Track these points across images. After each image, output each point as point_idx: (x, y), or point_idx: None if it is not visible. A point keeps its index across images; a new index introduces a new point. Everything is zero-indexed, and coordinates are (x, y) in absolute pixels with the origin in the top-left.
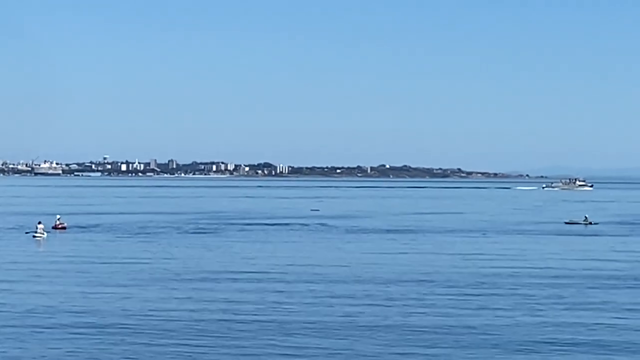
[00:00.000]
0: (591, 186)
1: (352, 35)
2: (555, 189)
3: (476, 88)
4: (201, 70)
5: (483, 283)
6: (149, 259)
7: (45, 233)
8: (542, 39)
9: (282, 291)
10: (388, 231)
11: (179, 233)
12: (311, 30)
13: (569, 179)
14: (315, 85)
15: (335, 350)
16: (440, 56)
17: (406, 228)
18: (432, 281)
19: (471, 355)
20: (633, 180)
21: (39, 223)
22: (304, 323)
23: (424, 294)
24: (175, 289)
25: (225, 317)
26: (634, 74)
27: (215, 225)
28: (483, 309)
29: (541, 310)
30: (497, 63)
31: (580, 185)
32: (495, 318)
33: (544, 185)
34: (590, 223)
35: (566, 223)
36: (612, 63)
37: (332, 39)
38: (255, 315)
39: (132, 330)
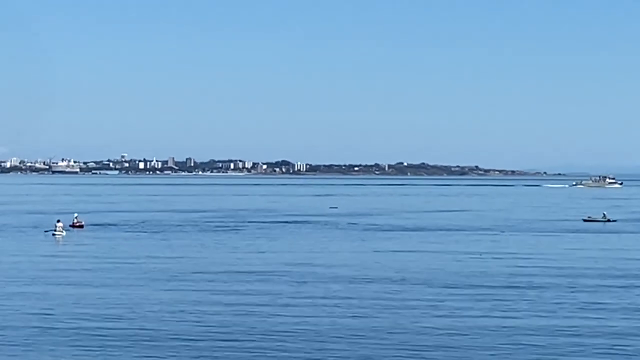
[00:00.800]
0: (621, 183)
1: (371, 32)
2: (585, 186)
3: (493, 86)
4: (220, 68)
5: (498, 282)
6: (167, 257)
7: (64, 231)
8: (549, 38)
9: (299, 292)
10: (407, 229)
11: (196, 231)
12: (328, 28)
13: (599, 177)
14: (333, 83)
15: (350, 353)
16: (458, 54)
17: (425, 226)
18: (446, 280)
19: (486, 359)
20: None
21: (58, 221)
22: (319, 325)
23: (438, 294)
24: (193, 289)
25: (241, 320)
26: None
27: (234, 223)
28: (498, 310)
29: (556, 312)
30: (515, 62)
31: (610, 183)
32: (510, 319)
33: (574, 183)
34: (609, 220)
35: (584, 220)
36: (627, 62)
37: (349, 37)
38: (270, 317)
39: (147, 334)
